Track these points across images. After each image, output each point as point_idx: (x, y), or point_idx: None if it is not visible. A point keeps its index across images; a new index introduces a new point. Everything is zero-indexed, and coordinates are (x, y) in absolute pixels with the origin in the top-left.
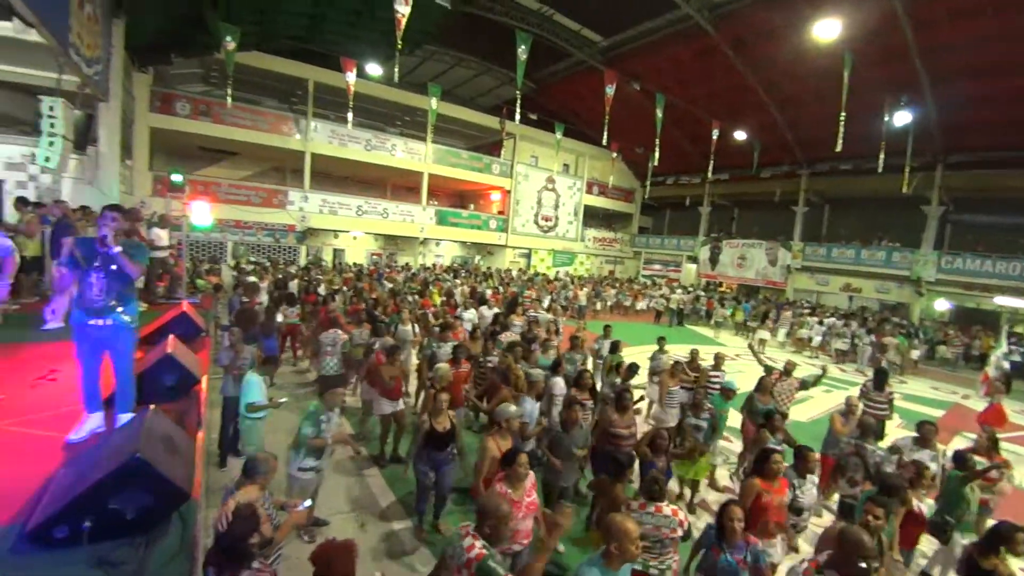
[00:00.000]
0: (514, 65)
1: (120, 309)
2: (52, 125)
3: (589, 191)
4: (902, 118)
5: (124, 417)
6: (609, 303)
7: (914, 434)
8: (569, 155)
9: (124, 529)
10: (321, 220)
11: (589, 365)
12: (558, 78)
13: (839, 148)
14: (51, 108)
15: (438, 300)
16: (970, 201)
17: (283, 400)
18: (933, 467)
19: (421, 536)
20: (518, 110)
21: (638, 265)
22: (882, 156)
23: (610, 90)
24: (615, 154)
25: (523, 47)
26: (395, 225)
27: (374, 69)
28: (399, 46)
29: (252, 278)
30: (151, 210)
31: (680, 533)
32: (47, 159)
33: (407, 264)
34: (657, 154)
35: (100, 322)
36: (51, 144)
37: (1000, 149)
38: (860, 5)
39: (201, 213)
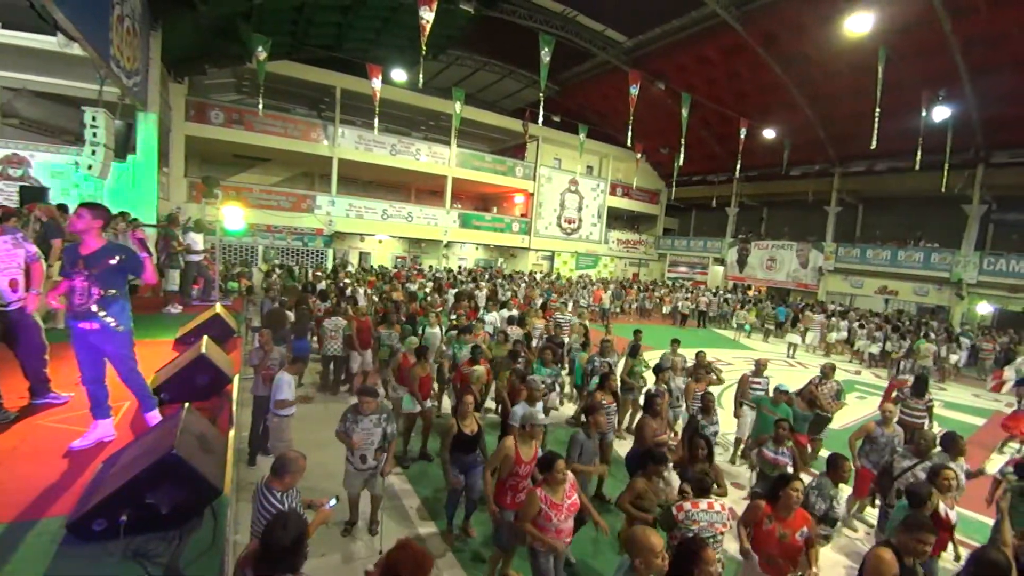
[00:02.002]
0: (537, 68)
1: (103, 313)
2: (95, 134)
3: (613, 192)
4: (940, 113)
5: (152, 415)
6: (633, 305)
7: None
8: (592, 157)
9: (159, 523)
10: (347, 224)
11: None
12: (581, 79)
13: (874, 145)
14: (94, 118)
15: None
16: (1014, 199)
17: (312, 396)
18: (962, 479)
19: (450, 541)
20: (541, 112)
21: (663, 267)
22: (919, 153)
23: (634, 90)
24: (639, 155)
25: (546, 50)
26: (419, 228)
27: (399, 75)
28: (423, 51)
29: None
30: (186, 216)
31: (731, 526)
32: (90, 167)
33: (431, 266)
34: (682, 154)
35: (88, 325)
36: (93, 153)
37: None
38: None
39: (234, 218)
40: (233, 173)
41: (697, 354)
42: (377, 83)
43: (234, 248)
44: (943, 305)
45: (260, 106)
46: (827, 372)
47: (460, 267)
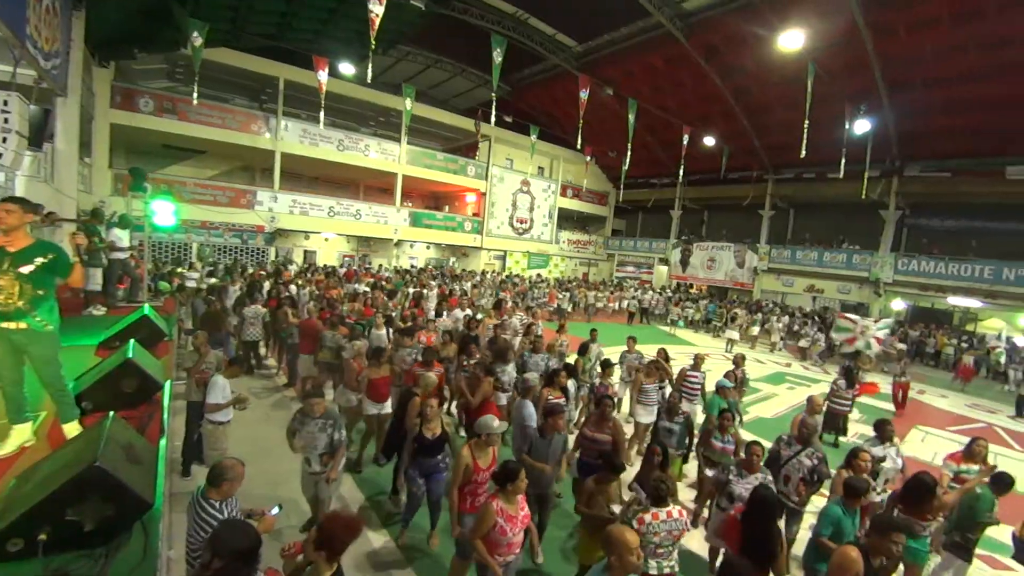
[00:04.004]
0: (489, 68)
1: (33, 313)
2: (6, 120)
3: (563, 194)
4: (862, 126)
5: (69, 428)
6: (582, 305)
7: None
8: (544, 158)
9: (83, 540)
10: (291, 221)
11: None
12: (533, 81)
13: (803, 154)
14: (5, 103)
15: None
16: (925, 206)
17: (247, 399)
18: (899, 461)
19: (400, 543)
20: (493, 113)
21: (612, 267)
22: (843, 163)
23: (584, 95)
24: (589, 158)
25: (498, 50)
26: (368, 227)
27: (347, 68)
28: (373, 46)
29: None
30: (111, 210)
31: (688, 531)
32: (0, 156)
33: (380, 265)
34: (629, 158)
35: (12, 325)
36: (4, 140)
37: (953, 156)
38: (823, 16)
39: (164, 213)
40: (164, 165)
41: (659, 350)
42: (323, 76)
43: (166, 246)
44: (863, 302)
45: (195, 95)
46: (738, 362)
47: (412, 266)
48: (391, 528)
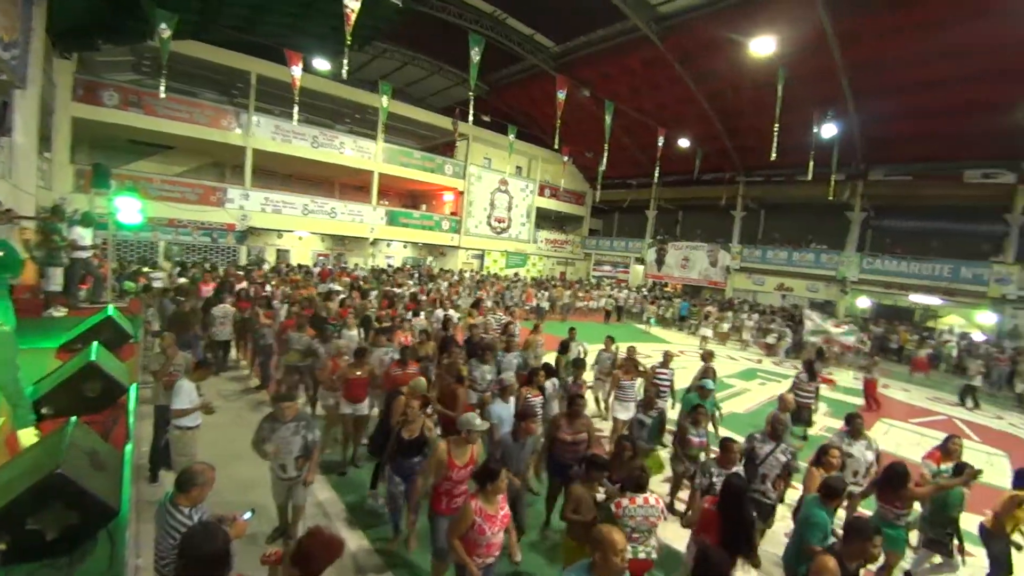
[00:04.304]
0: (467, 66)
1: None
2: None
3: (541, 193)
4: (829, 131)
5: (24, 434)
6: (559, 304)
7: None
8: (522, 158)
9: (46, 549)
10: (263, 219)
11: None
12: (511, 81)
13: (774, 157)
14: None
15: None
16: (889, 207)
17: (215, 404)
18: (869, 456)
19: (393, 546)
20: (471, 111)
21: (589, 266)
22: (811, 166)
23: (562, 95)
24: (566, 158)
25: (476, 49)
26: (343, 225)
27: (321, 64)
28: (348, 42)
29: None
30: (73, 207)
31: (664, 518)
32: None
33: (356, 264)
34: (606, 159)
35: None
36: None
37: (915, 160)
38: (793, 24)
39: (129, 211)
40: (130, 161)
41: (629, 348)
42: (297, 71)
43: (131, 244)
44: (831, 300)
45: (162, 88)
46: (706, 358)
47: (389, 265)
48: (369, 531)
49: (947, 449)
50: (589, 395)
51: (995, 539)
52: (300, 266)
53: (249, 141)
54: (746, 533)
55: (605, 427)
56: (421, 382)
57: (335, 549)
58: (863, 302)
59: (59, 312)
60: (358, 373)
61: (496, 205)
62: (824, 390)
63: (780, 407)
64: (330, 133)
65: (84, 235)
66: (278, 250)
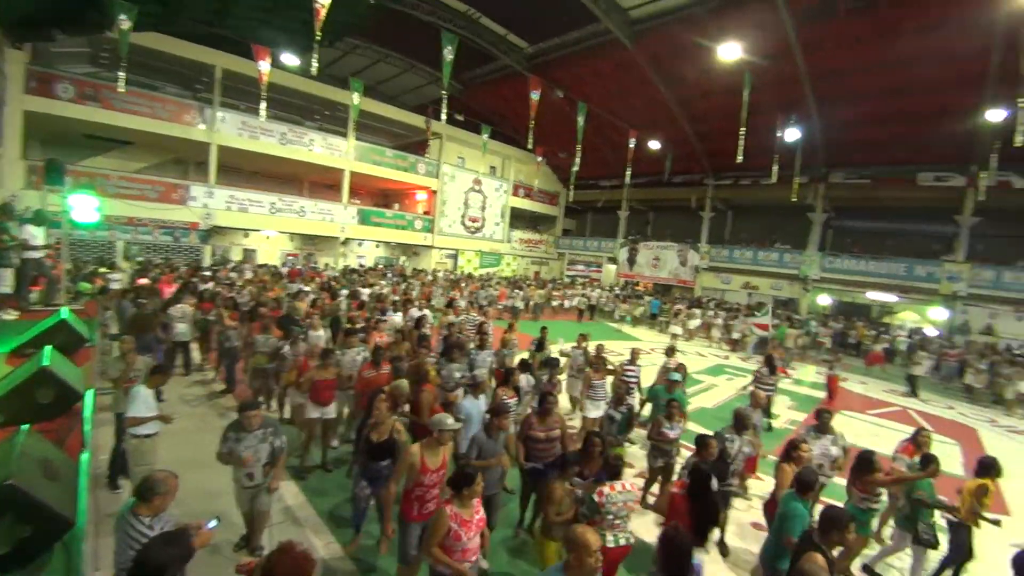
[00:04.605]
0: (440, 64)
1: None
2: None
3: (515, 193)
4: (792, 135)
5: None
6: (533, 303)
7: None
8: (495, 157)
9: None
10: (229, 218)
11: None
12: (485, 80)
13: (740, 160)
14: None
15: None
16: (848, 209)
17: (177, 410)
18: (835, 450)
19: (352, 549)
20: (444, 110)
21: (562, 266)
22: (776, 169)
23: (535, 96)
24: (540, 158)
25: (449, 48)
26: (313, 224)
27: (290, 59)
28: (318, 37)
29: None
30: (24, 204)
31: (639, 501)
32: None
33: (327, 264)
34: (579, 159)
35: None
36: None
37: (872, 164)
38: (759, 31)
39: (85, 209)
40: (86, 157)
41: (597, 347)
42: (265, 65)
43: (87, 244)
44: (794, 297)
45: (121, 81)
46: (670, 352)
47: (361, 265)
48: (339, 533)
49: (918, 441)
50: (563, 394)
51: (961, 527)
52: (268, 266)
53: (214, 137)
54: (711, 517)
55: (574, 423)
56: (404, 384)
57: (306, 568)
58: (824, 299)
59: (9, 315)
60: (325, 375)
61: (470, 204)
62: (789, 384)
63: (752, 403)
64: (299, 130)
65: (36, 234)
66: (244, 249)
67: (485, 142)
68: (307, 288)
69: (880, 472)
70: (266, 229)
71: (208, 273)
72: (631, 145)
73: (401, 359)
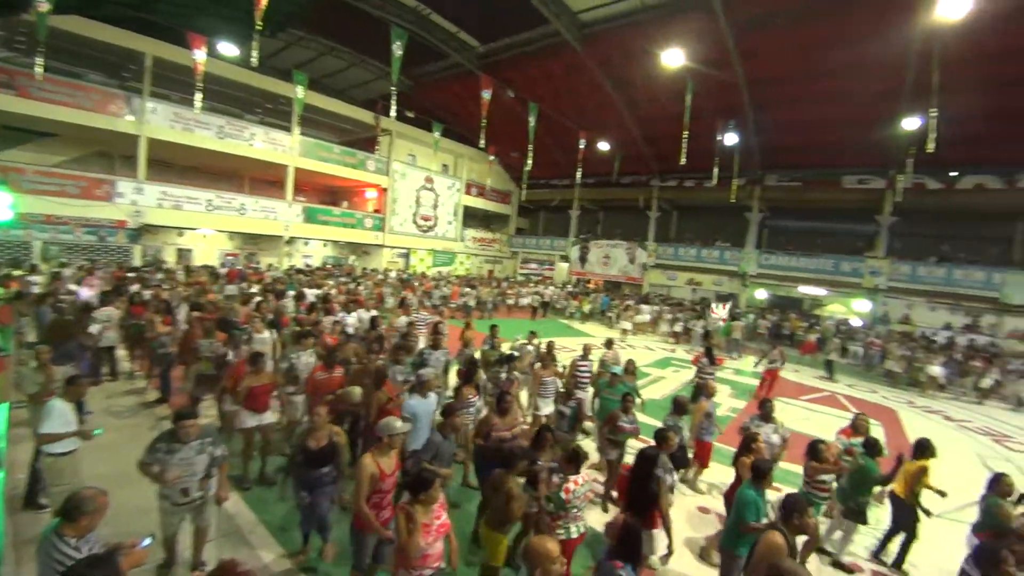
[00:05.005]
0: (389, 59)
1: None
2: None
3: (468, 192)
4: (731, 139)
5: None
6: (480, 301)
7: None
8: (448, 155)
9: None
10: (161, 216)
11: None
12: (436, 78)
13: (683, 162)
14: None
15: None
16: (782, 209)
17: (96, 431)
18: (776, 438)
19: (298, 561)
20: (394, 106)
21: (516, 264)
22: (716, 171)
23: (487, 95)
24: (492, 157)
25: (398, 43)
26: (255, 223)
27: (229, 49)
28: (259, 26)
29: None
30: None
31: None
32: None
33: (270, 264)
34: (531, 159)
35: None
36: None
37: (803, 167)
38: (701, 39)
39: None
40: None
41: (548, 343)
42: (200, 55)
43: (1, 244)
44: (734, 292)
45: (39, 68)
46: (609, 345)
47: (307, 265)
48: (287, 544)
49: (856, 426)
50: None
51: (904, 506)
52: (205, 266)
53: (143, 129)
54: (648, 497)
55: (527, 420)
56: (355, 391)
57: None
58: (761, 294)
59: None
60: (260, 381)
61: (422, 203)
62: (730, 374)
63: (705, 394)
64: (239, 123)
65: None
66: (179, 249)
67: (437, 140)
68: (252, 289)
69: (827, 461)
70: (203, 228)
71: (132, 275)
72: (581, 146)
73: (350, 361)
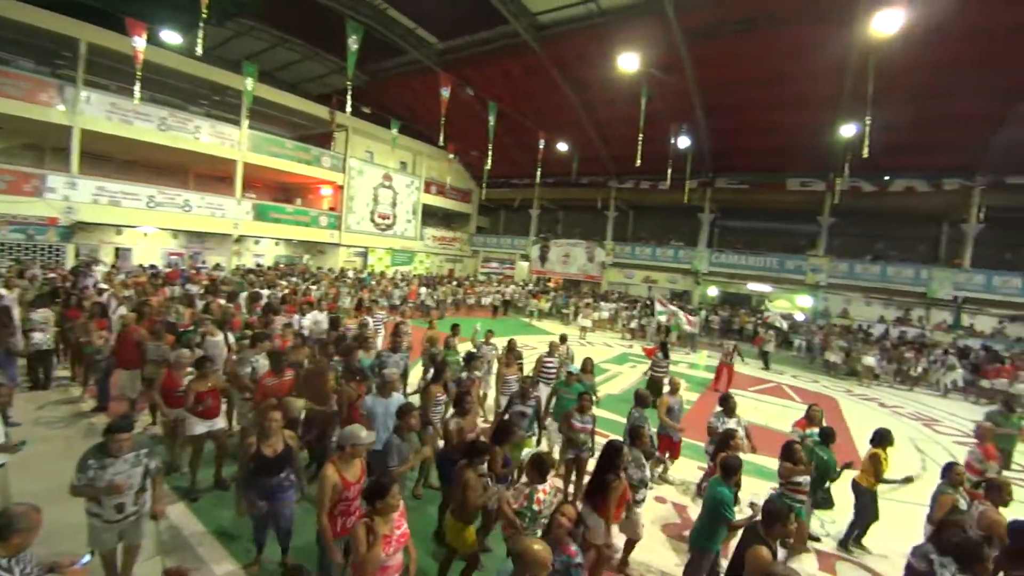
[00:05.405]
0: (344, 54)
1: None
2: None
3: (427, 190)
4: (683, 142)
5: None
6: (448, 300)
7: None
8: (406, 153)
9: None
10: (97, 212)
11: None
12: (393, 74)
13: (639, 164)
14: None
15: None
16: (731, 210)
17: (20, 443)
18: (741, 432)
19: (252, 572)
20: (349, 102)
21: (477, 263)
22: (669, 173)
23: (445, 93)
24: (452, 155)
25: (354, 37)
26: (200, 220)
27: (172, 37)
28: (204, 15)
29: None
30: None
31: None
32: None
33: (217, 264)
34: (491, 158)
35: None
36: None
37: (750, 170)
38: (655, 45)
39: None
40: None
41: (509, 341)
42: (140, 42)
43: None
44: (687, 290)
45: None
46: (563, 340)
47: (258, 264)
48: (239, 555)
49: (810, 416)
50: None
51: (864, 492)
52: (149, 266)
53: (76, 120)
54: (603, 485)
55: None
56: (297, 403)
57: None
58: (712, 291)
59: None
60: (205, 385)
61: (380, 201)
62: (685, 368)
63: (671, 389)
64: (182, 115)
65: None
66: (117, 248)
67: (395, 136)
68: (194, 290)
69: (800, 462)
70: (144, 225)
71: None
72: (541, 146)
73: (302, 364)
